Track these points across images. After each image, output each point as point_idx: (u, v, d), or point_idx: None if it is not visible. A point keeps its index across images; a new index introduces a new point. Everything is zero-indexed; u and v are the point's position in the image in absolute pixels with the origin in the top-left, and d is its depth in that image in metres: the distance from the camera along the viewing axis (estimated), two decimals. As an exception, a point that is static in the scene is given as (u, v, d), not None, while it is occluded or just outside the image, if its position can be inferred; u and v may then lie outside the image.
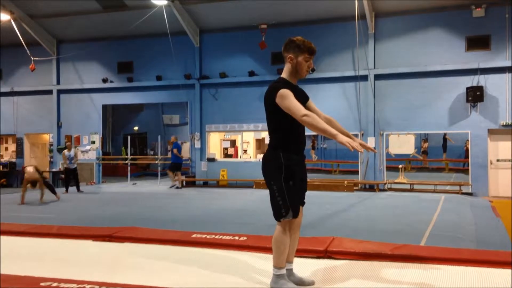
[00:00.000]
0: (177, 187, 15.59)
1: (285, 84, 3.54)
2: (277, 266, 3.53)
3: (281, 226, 3.51)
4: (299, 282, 3.68)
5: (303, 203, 3.70)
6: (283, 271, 3.56)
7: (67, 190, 14.08)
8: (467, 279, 3.90)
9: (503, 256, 4.40)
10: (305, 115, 3.30)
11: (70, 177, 14.32)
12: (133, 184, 17.07)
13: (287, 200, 3.46)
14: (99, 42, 17.45)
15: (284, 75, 3.64)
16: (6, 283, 3.73)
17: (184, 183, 16.41)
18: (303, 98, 3.67)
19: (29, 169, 11.30)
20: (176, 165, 15.77)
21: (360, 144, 3.45)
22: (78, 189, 14.16)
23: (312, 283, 3.74)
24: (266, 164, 3.59)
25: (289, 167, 3.48)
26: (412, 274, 4.07)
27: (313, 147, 20.02)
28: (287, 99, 3.37)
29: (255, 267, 4.36)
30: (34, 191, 11.63)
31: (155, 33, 16.41)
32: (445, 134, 17.35)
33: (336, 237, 5.24)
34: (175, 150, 15.54)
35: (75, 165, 14.21)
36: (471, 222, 8.36)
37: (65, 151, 14.27)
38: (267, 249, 4.81)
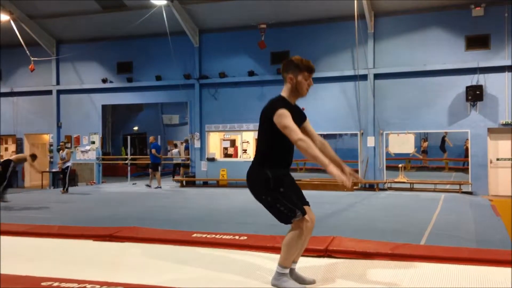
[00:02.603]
0: (148, 185, 15.67)
1: (284, 103, 3.54)
2: (282, 265, 3.55)
3: (296, 228, 3.49)
4: (300, 280, 3.70)
5: (307, 203, 3.70)
6: (287, 271, 3.58)
7: (66, 190, 14.10)
8: (467, 278, 3.90)
9: (503, 255, 4.41)
10: (300, 139, 3.32)
11: (68, 177, 14.33)
12: (133, 184, 17.06)
13: (288, 204, 3.48)
14: (99, 42, 17.45)
15: (284, 94, 3.64)
16: (7, 283, 3.74)
17: (184, 183, 16.43)
18: (300, 118, 3.69)
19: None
20: (155, 165, 15.87)
21: (350, 174, 3.46)
22: (65, 189, 14.07)
23: (313, 282, 3.75)
24: (252, 181, 3.62)
25: (275, 178, 3.51)
26: (412, 273, 4.08)
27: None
28: (285, 119, 3.38)
29: (255, 266, 4.36)
30: (32, 192, 11.61)
31: (154, 33, 16.40)
32: (444, 136, 17.33)
33: (336, 236, 5.25)
34: (153, 150, 15.65)
35: (66, 165, 14.12)
36: (471, 221, 8.38)
37: (60, 152, 14.36)
38: (267, 248, 4.83)
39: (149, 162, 16.15)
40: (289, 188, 3.57)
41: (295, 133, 3.34)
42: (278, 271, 3.55)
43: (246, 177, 3.67)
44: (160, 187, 15.48)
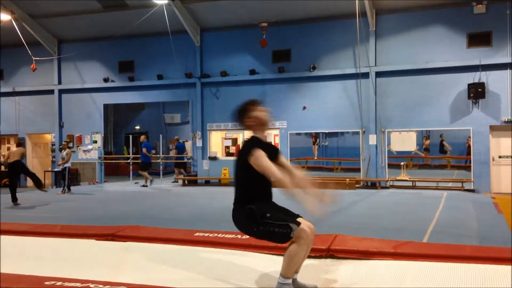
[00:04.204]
0: (144, 186, 15.69)
1: (257, 143, 3.64)
2: (285, 276, 3.53)
3: (296, 239, 3.49)
4: None
5: (298, 215, 3.71)
6: (290, 281, 3.56)
7: (69, 189, 14.13)
8: (470, 276, 3.90)
9: (505, 253, 4.40)
10: (277, 177, 3.47)
11: (71, 177, 14.35)
12: (135, 183, 17.08)
13: (280, 223, 3.51)
14: (100, 42, 17.45)
15: (254, 134, 3.76)
16: (10, 282, 3.75)
17: (186, 182, 16.45)
18: (274, 153, 3.79)
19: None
20: (145, 165, 15.97)
21: (326, 198, 3.58)
22: (62, 190, 14.06)
23: None
24: (238, 221, 3.69)
25: (258, 208, 3.57)
26: (414, 271, 4.07)
27: (314, 143, 19.93)
28: (261, 160, 3.50)
29: (257, 266, 4.36)
30: (34, 191, 11.66)
31: (155, 32, 16.40)
32: (442, 140, 17.25)
33: (338, 234, 5.24)
34: (144, 150, 15.70)
35: (66, 166, 14.07)
36: (473, 218, 8.36)
37: (62, 151, 14.40)
38: (269, 248, 4.82)
39: (151, 162, 16.19)
40: (274, 210, 3.63)
41: (273, 173, 3.49)
42: (280, 281, 3.53)
43: (232, 218, 3.75)
44: (146, 186, 15.59)
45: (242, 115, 3.76)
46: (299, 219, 3.60)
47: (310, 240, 3.56)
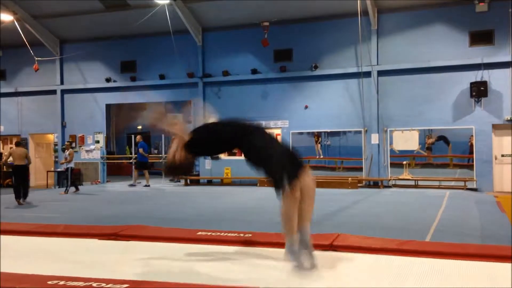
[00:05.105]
0: (146, 185, 15.70)
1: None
2: (287, 234, 3.60)
3: (285, 198, 3.53)
4: (306, 247, 3.76)
5: (300, 167, 3.73)
6: (294, 241, 3.58)
7: (77, 189, 14.15)
8: (472, 274, 3.89)
9: (508, 251, 4.39)
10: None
11: (74, 177, 14.39)
12: (138, 182, 17.09)
13: (277, 172, 3.59)
14: (102, 42, 17.49)
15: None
16: (12, 282, 3.76)
17: (188, 181, 16.46)
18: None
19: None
20: (142, 164, 16.07)
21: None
22: (65, 190, 14.04)
23: (314, 266, 3.80)
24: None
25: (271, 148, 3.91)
26: (417, 270, 4.07)
27: (317, 142, 19.90)
28: (175, 125, 4.02)
29: (260, 265, 4.36)
30: (37, 191, 11.68)
31: (157, 32, 16.42)
32: (441, 137, 17.19)
33: (340, 233, 5.24)
34: (140, 150, 15.78)
35: (69, 166, 14.04)
36: (476, 217, 8.35)
37: (65, 151, 14.44)
38: (272, 244, 4.82)
39: (152, 162, 16.22)
40: (283, 153, 3.79)
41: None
42: (288, 244, 3.61)
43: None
44: (149, 185, 15.62)
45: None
46: (300, 173, 3.64)
47: (298, 199, 3.62)
